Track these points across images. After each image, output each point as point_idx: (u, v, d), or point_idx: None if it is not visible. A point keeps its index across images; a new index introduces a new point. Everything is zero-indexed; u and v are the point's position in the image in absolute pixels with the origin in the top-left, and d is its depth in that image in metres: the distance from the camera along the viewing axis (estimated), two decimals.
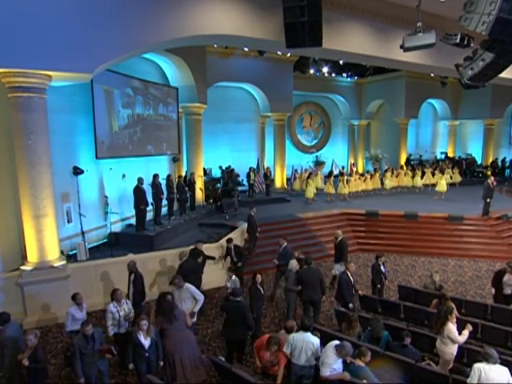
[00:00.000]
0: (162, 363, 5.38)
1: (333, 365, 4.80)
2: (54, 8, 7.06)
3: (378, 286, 8.28)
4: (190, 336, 5.82)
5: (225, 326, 6.13)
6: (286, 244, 8.89)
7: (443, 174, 17.81)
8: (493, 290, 7.83)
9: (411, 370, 5.27)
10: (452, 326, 5.57)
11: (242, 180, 17.57)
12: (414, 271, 11.01)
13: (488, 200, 13.02)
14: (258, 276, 6.94)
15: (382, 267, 8.27)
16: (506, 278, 7.61)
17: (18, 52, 6.82)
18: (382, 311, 7.73)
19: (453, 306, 6.04)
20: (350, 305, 7.37)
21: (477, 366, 4.45)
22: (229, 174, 16.79)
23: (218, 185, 15.70)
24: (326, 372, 4.81)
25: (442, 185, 16.70)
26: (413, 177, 18.70)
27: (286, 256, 8.62)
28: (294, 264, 7.75)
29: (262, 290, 7.00)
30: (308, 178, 16.73)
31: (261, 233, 11.37)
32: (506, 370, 4.43)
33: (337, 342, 4.95)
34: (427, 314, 6.99)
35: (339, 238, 9.48)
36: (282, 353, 5.16)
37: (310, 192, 16.14)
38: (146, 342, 5.20)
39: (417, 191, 18.55)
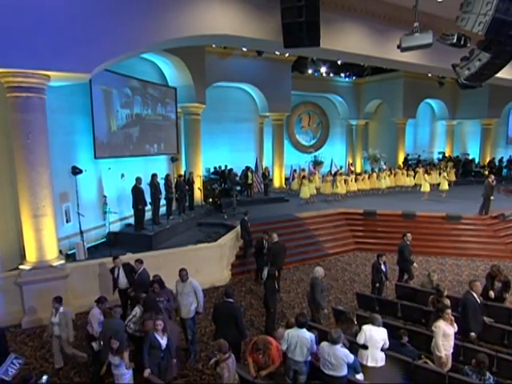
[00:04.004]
0: (175, 361, 5.35)
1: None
2: (53, 8, 7.07)
3: (377, 284, 8.32)
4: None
5: (216, 328, 5.95)
6: (142, 268, 7.22)
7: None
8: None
9: (408, 369, 5.31)
10: (441, 326, 5.55)
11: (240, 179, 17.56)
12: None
13: (490, 198, 13.08)
14: (276, 272, 7.12)
15: (382, 266, 8.30)
16: (495, 283, 7.60)
17: (17, 52, 6.83)
18: (379, 310, 7.77)
19: (448, 303, 6.05)
20: (472, 333, 6.04)
21: (364, 327, 5.44)
22: (227, 173, 16.79)
23: (214, 185, 15.68)
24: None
25: (444, 182, 16.93)
26: (407, 176, 18.99)
27: (143, 284, 6.90)
28: (320, 271, 7.31)
29: (277, 285, 7.09)
30: (303, 178, 16.60)
31: (259, 232, 11.36)
32: (385, 331, 5.43)
33: (325, 343, 4.90)
34: (424, 313, 7.03)
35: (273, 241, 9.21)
36: (277, 351, 5.10)
37: (306, 192, 15.99)
38: (163, 341, 5.11)
39: (409, 190, 18.76)
